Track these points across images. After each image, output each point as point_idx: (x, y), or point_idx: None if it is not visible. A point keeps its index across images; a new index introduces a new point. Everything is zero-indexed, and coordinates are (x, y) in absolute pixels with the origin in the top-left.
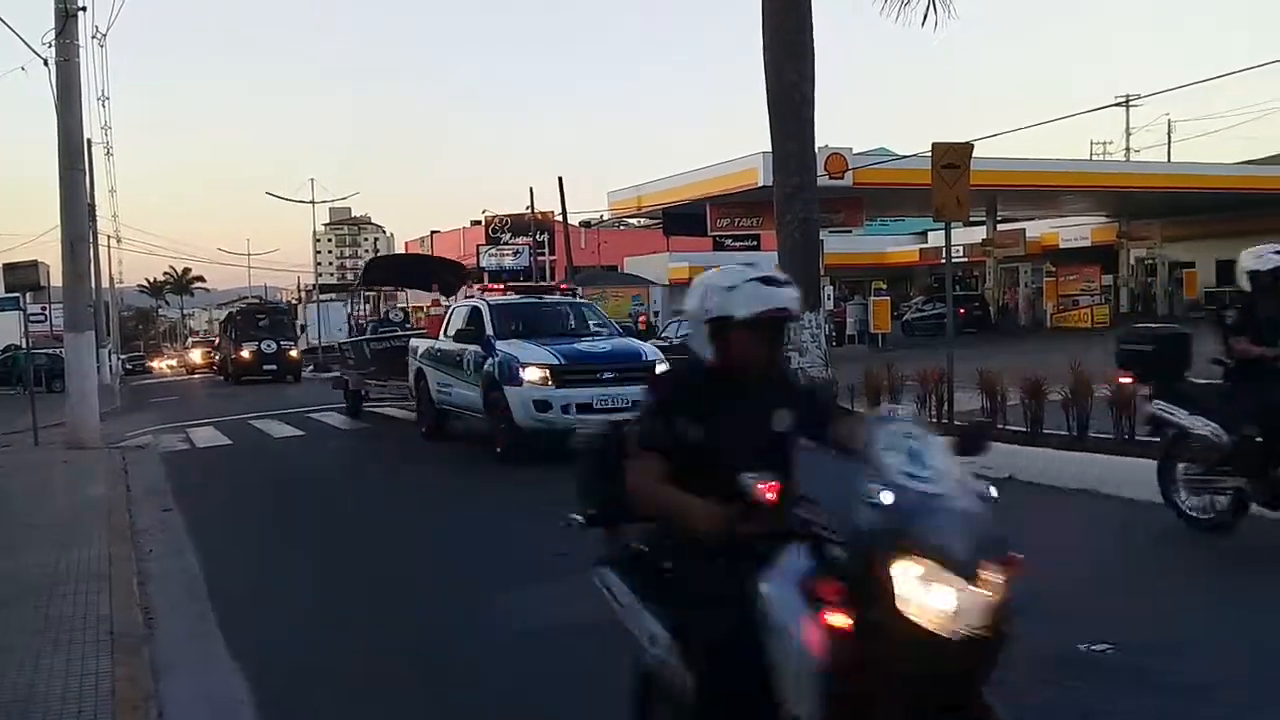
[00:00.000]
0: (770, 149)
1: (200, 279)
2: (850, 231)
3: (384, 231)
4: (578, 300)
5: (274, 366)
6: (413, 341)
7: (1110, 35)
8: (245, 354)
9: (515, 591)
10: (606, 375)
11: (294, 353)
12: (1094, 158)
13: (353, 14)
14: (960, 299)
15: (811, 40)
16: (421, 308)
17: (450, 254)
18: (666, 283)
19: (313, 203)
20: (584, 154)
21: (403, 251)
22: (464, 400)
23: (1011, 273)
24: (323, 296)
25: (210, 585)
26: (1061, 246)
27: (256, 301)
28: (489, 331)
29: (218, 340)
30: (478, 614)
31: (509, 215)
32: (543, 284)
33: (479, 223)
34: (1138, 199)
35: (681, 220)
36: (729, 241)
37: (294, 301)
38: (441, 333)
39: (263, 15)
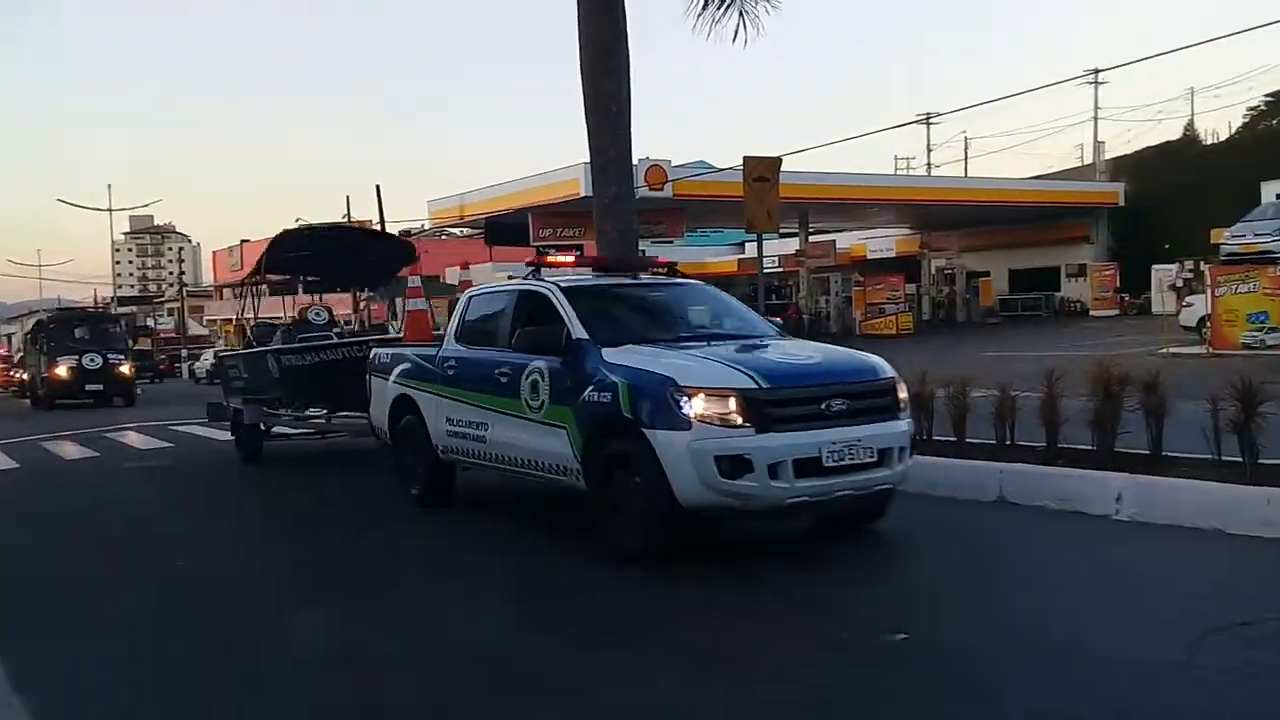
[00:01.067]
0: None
1: None
2: (672, 242)
3: (189, 240)
4: (690, 280)
5: (99, 386)
6: (380, 352)
7: (913, 55)
8: (62, 371)
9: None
10: (836, 405)
11: (125, 368)
12: (898, 172)
13: (154, 11)
14: (775, 308)
15: (627, 52)
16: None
17: None
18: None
19: (110, 210)
20: (403, 162)
21: (331, 221)
22: (521, 450)
23: (823, 282)
24: (122, 309)
25: None
26: (869, 257)
27: (74, 306)
28: (577, 332)
29: (20, 355)
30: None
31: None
32: (632, 257)
33: None
34: (938, 212)
35: (504, 230)
36: (552, 251)
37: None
38: (452, 335)
39: (54, 8)
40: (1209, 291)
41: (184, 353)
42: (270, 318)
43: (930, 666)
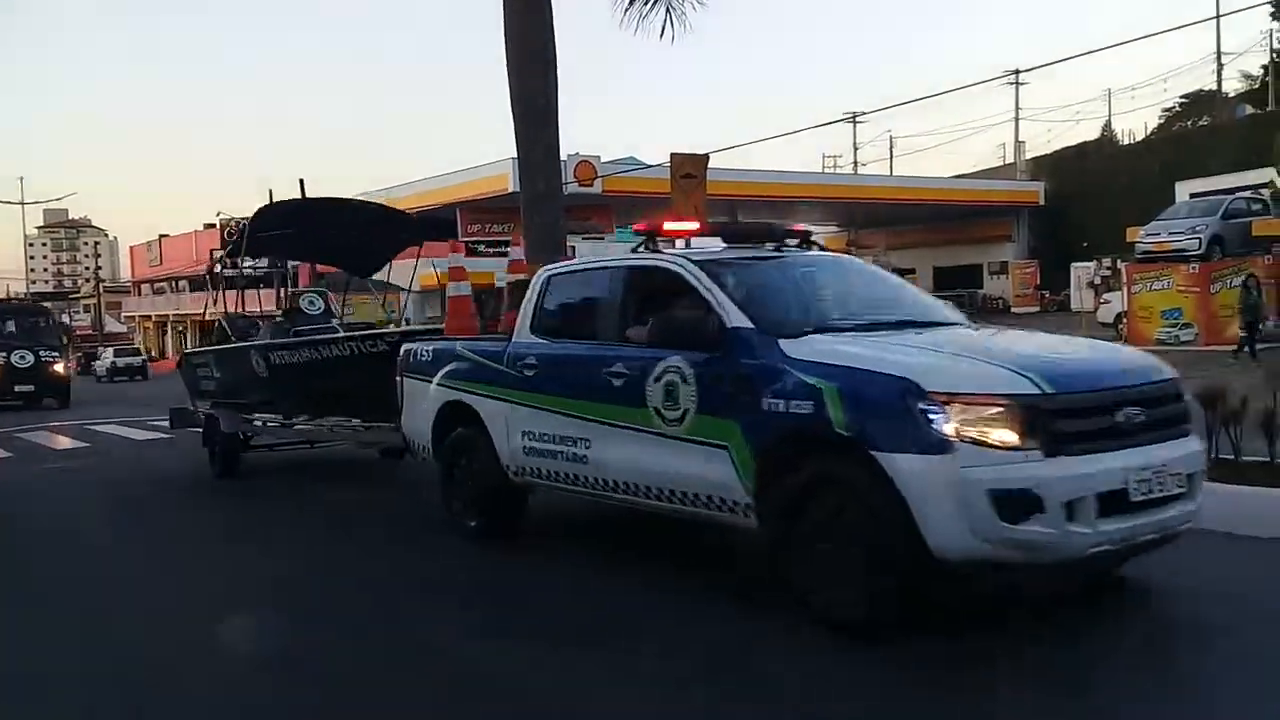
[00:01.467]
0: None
1: None
2: (604, 238)
3: (106, 235)
4: (833, 252)
5: (30, 386)
6: (416, 347)
7: (840, 54)
8: None
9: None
10: (1133, 417)
11: (59, 367)
12: (825, 170)
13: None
14: None
15: (554, 48)
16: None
17: (181, 260)
18: (417, 288)
19: (22, 203)
20: (327, 155)
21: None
22: (649, 475)
23: None
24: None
25: None
26: None
27: (1, 299)
28: (734, 319)
29: None
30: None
31: (246, 219)
32: (761, 223)
33: (213, 226)
34: (865, 209)
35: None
36: (481, 247)
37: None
38: (526, 326)
39: None
40: (1125, 289)
41: (100, 350)
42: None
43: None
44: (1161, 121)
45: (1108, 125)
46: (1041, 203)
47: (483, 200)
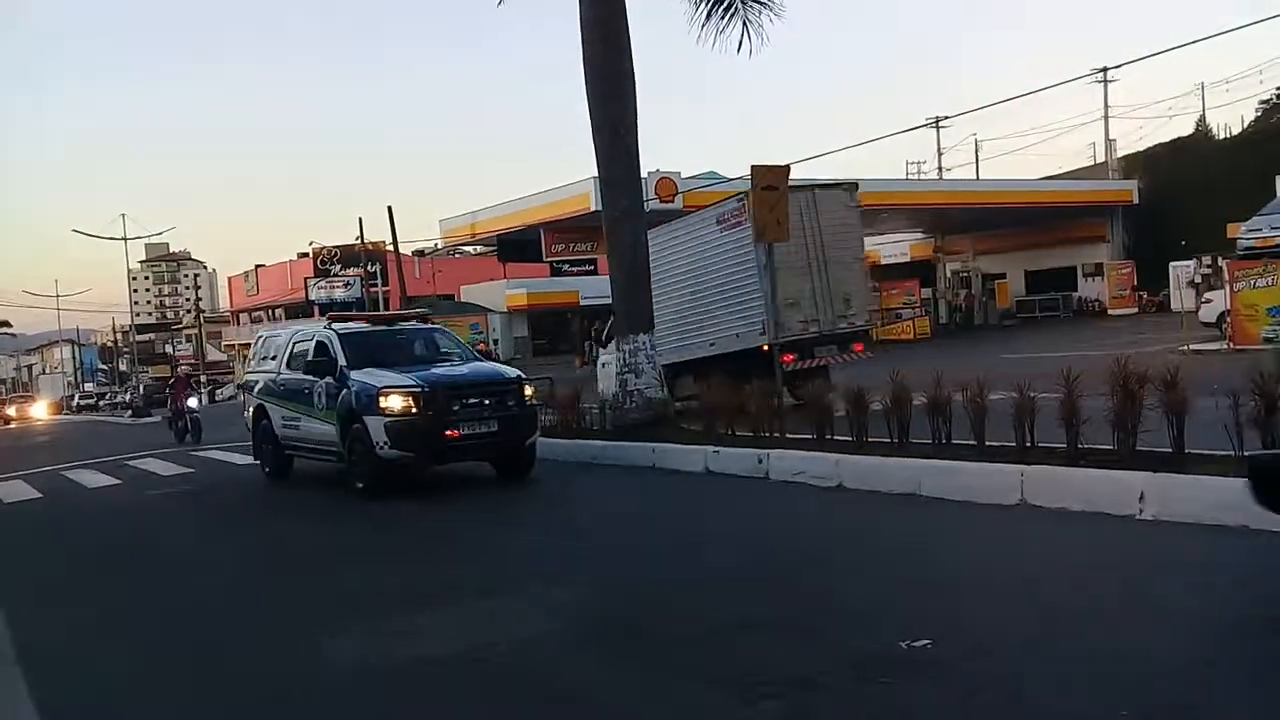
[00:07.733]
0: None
1: (5, 323)
2: None
3: (205, 267)
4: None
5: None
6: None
7: (921, 58)
8: None
9: (358, 627)
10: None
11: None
12: (909, 177)
13: (160, 37)
14: None
15: (632, 76)
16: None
17: (278, 289)
18: (505, 309)
19: (125, 239)
20: (414, 182)
21: None
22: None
23: None
24: (140, 337)
25: (19, 648)
26: (883, 262)
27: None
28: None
29: None
30: (324, 653)
31: (338, 246)
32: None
33: (306, 255)
34: (951, 215)
35: (516, 247)
36: (566, 266)
37: (109, 344)
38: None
39: (62, 35)
40: (1227, 287)
41: (203, 378)
42: None
43: (955, 676)
44: (1259, 114)
45: (1202, 120)
46: (1136, 201)
47: (566, 220)
